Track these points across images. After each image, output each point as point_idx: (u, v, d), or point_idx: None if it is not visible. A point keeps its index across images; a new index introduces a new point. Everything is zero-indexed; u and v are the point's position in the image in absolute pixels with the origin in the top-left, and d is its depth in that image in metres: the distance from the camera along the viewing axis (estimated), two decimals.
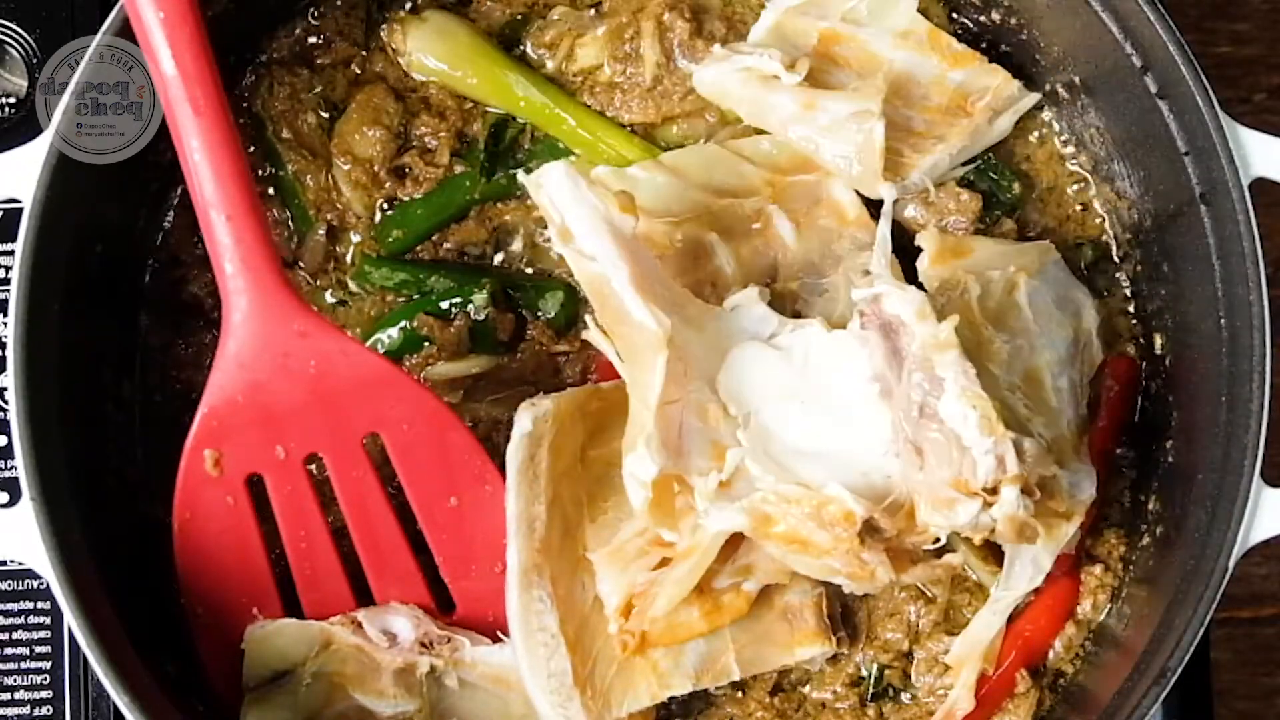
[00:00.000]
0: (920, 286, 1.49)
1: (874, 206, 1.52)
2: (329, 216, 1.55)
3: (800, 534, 1.36)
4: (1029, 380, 1.46)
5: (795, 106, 1.51)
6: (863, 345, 1.40)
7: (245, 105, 1.56)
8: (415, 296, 1.55)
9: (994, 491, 1.33)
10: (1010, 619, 1.50)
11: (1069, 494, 1.48)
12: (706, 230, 1.51)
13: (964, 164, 1.56)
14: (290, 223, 1.56)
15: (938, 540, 1.37)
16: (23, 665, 1.54)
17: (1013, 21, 1.56)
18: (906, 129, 1.53)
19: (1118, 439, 1.56)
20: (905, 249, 1.52)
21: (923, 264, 1.49)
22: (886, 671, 1.53)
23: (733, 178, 1.53)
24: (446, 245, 1.57)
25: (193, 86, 1.35)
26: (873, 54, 1.54)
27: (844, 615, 1.53)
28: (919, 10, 1.56)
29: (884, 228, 1.47)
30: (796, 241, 1.51)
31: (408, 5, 1.59)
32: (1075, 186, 1.60)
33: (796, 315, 1.49)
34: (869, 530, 1.35)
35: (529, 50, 1.60)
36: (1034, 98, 1.56)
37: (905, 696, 1.54)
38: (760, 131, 1.55)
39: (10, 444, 1.39)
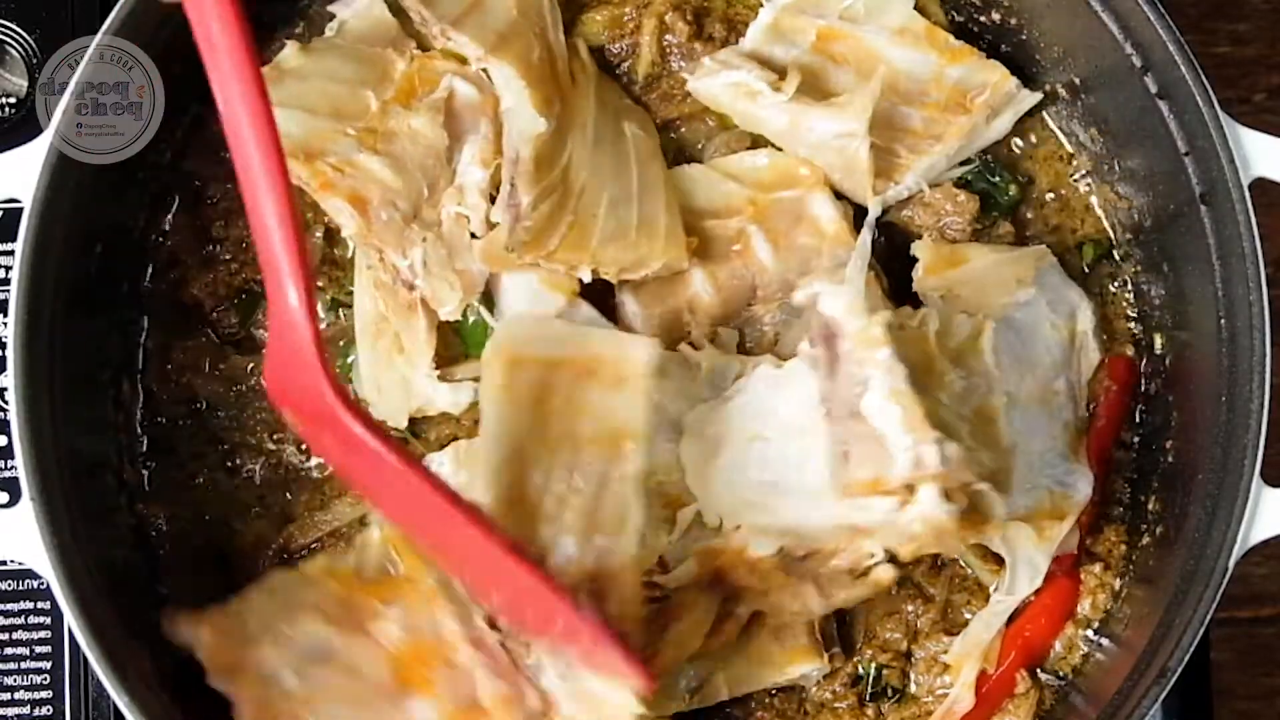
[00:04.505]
0: (915, 298, 1.49)
1: (862, 215, 1.52)
2: (326, 219, 1.55)
3: (738, 579, 1.38)
4: (980, 416, 1.44)
5: (784, 122, 1.51)
6: (812, 367, 1.38)
7: None
8: None
9: (911, 490, 1.30)
10: (1010, 619, 1.50)
11: (1067, 495, 1.48)
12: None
13: (961, 164, 1.56)
14: None
15: (873, 555, 1.35)
16: (23, 665, 1.54)
17: (1013, 22, 1.56)
18: (904, 128, 1.53)
19: (1117, 439, 1.56)
20: (901, 253, 1.52)
21: (918, 274, 1.49)
22: (885, 671, 1.53)
23: (716, 198, 1.53)
24: None
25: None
26: (870, 51, 1.54)
27: (840, 625, 1.53)
28: (917, 9, 1.56)
29: (864, 238, 1.47)
30: (774, 262, 1.50)
31: None
32: (1075, 187, 1.60)
33: (774, 341, 1.49)
34: (789, 563, 1.35)
35: None
36: (1034, 97, 1.56)
37: (904, 696, 1.54)
38: (755, 143, 1.55)
39: (10, 444, 1.39)
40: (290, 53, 1.48)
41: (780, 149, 1.54)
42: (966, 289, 1.49)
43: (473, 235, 1.48)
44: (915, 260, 1.50)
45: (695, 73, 1.55)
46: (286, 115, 1.43)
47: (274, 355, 1.28)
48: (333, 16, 1.54)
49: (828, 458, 1.36)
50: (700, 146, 1.58)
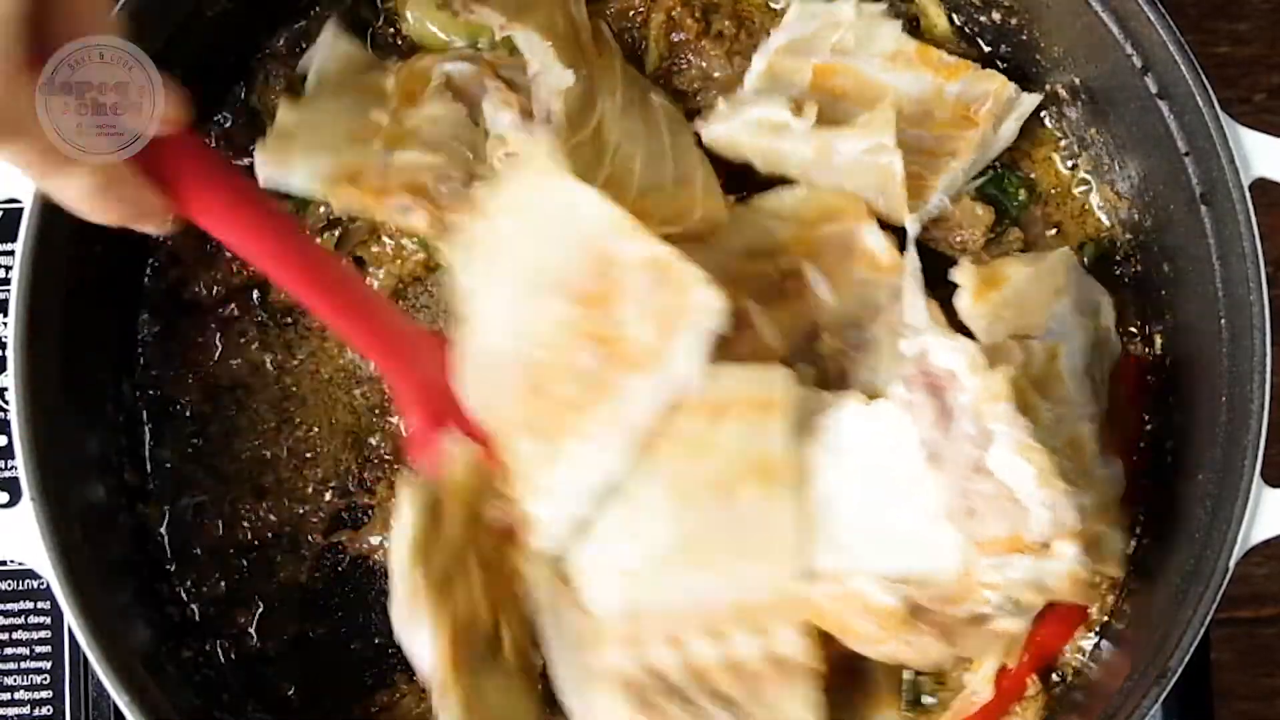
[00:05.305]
0: (962, 326, 1.46)
1: (901, 237, 1.50)
2: (323, 209, 1.54)
3: (851, 625, 1.35)
4: (1072, 446, 1.43)
5: (810, 151, 1.49)
6: (906, 411, 1.35)
7: (243, 98, 1.56)
8: None
9: (1047, 546, 1.29)
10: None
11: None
12: (743, 297, 1.44)
13: (977, 176, 1.56)
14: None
15: (988, 603, 1.32)
16: (23, 665, 1.54)
17: (1013, 22, 1.56)
18: (919, 149, 1.52)
19: (1134, 443, 1.55)
20: (933, 276, 1.50)
21: (964, 302, 1.44)
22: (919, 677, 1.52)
23: (763, 237, 1.50)
24: None
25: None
26: (868, 80, 1.53)
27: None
28: (917, 14, 1.57)
29: (911, 261, 1.45)
30: (834, 298, 1.48)
31: None
32: (1075, 187, 1.60)
33: (841, 375, 1.46)
34: (915, 611, 1.32)
35: None
36: (1034, 99, 1.56)
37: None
38: (780, 181, 1.53)
39: (10, 444, 1.39)
40: (285, 113, 1.47)
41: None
42: (1009, 310, 1.45)
43: None
44: (948, 283, 1.46)
45: (706, 120, 1.53)
46: (313, 161, 1.43)
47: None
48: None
49: (943, 509, 1.33)
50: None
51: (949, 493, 1.32)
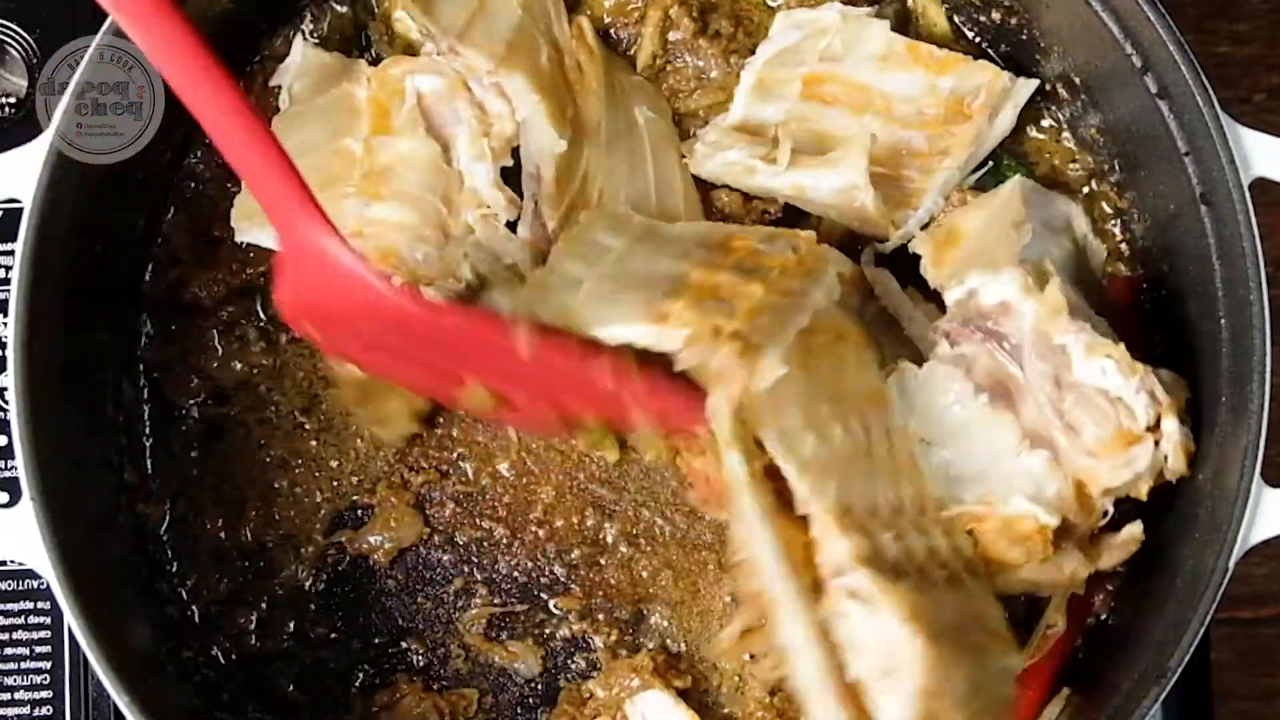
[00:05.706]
0: (938, 298, 1.47)
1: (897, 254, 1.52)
2: None
3: (991, 553, 1.36)
4: None
5: (787, 188, 1.51)
6: (957, 366, 1.39)
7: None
8: None
9: (1157, 427, 1.34)
10: None
11: None
12: None
13: (975, 169, 1.55)
14: None
15: (1106, 514, 1.37)
16: (23, 665, 1.54)
17: (1013, 22, 1.56)
18: (910, 152, 1.52)
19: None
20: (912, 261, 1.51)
21: (926, 270, 1.46)
22: None
23: None
24: None
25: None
26: (859, 85, 1.53)
27: None
28: (915, 15, 1.57)
29: (886, 278, 1.48)
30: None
31: None
32: (1074, 186, 1.60)
33: None
34: (1062, 533, 1.35)
35: None
36: (1030, 84, 1.55)
37: None
38: None
39: (10, 444, 1.39)
40: None
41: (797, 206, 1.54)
42: (979, 259, 1.45)
43: (509, 225, 1.48)
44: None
45: (692, 157, 1.54)
46: None
47: (297, 281, 1.29)
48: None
49: (1025, 440, 1.37)
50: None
51: (1036, 422, 1.36)
